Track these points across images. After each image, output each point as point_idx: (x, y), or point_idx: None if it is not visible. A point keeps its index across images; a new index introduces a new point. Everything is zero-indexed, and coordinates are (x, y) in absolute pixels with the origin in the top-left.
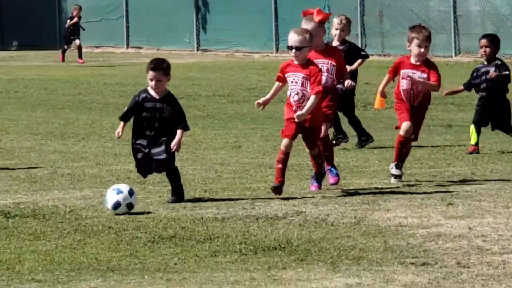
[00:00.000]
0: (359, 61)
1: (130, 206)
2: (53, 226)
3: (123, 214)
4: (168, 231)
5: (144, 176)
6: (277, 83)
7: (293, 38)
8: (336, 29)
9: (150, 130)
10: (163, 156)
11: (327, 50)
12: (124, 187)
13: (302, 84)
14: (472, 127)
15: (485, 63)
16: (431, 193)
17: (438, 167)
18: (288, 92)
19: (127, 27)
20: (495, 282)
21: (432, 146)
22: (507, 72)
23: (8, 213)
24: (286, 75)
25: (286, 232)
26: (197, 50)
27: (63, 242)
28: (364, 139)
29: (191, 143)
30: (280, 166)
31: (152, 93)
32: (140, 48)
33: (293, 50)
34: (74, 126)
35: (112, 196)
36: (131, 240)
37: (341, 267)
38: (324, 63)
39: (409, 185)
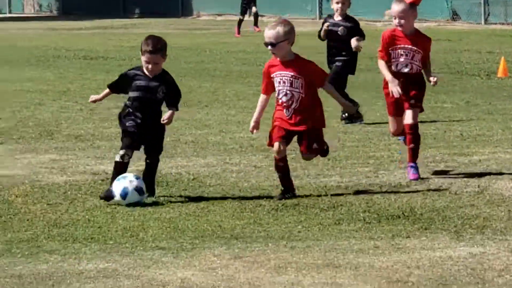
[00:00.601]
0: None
1: (139, 190)
2: (177, 194)
3: (135, 204)
4: (292, 199)
5: (132, 148)
6: (263, 96)
7: (267, 34)
8: (337, 2)
9: (140, 113)
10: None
11: (416, 35)
12: (128, 174)
13: (291, 84)
14: None
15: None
16: None
17: None
18: (276, 93)
19: None
20: None
21: None
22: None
23: None
24: (272, 76)
25: (410, 201)
26: (319, 18)
27: (187, 210)
28: (355, 115)
29: None
30: (280, 174)
31: (145, 72)
32: (263, 16)
33: (269, 47)
34: (197, 93)
35: (117, 185)
36: (254, 208)
37: (465, 236)
38: (412, 51)
39: None
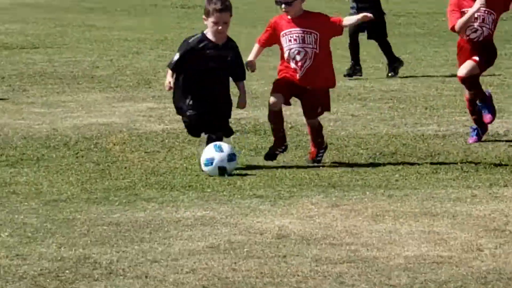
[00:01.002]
0: None
1: (222, 169)
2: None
3: (212, 175)
4: (389, 148)
5: (197, 135)
6: (258, 47)
7: None
8: None
9: (209, 84)
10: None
11: None
12: (227, 148)
13: (304, 40)
14: None
15: None
16: None
17: None
18: (286, 53)
19: None
20: None
21: None
22: None
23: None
24: (281, 34)
25: (508, 150)
26: None
27: (285, 158)
28: (396, 65)
29: (412, 60)
30: (272, 126)
31: (213, 39)
32: None
33: (283, 6)
34: None
35: (210, 150)
36: (352, 157)
37: None
38: (480, 13)
39: None
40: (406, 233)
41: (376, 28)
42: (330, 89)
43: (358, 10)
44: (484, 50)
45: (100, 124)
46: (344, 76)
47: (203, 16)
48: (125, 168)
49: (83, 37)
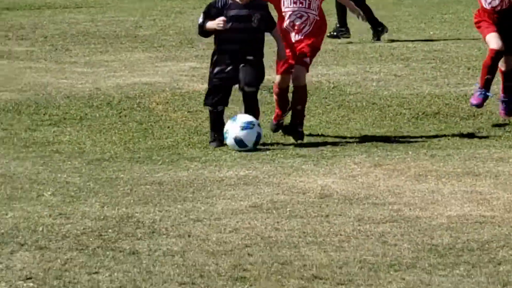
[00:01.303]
0: None
1: (238, 141)
2: (317, 102)
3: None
4: (432, 108)
5: (224, 103)
6: None
7: None
8: None
9: (235, 45)
10: (251, 77)
11: None
12: (242, 117)
13: (309, 5)
14: None
15: None
16: None
17: None
18: (287, 16)
19: None
20: None
21: None
22: None
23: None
24: None
25: None
26: None
27: (327, 118)
28: (380, 29)
29: (455, 20)
30: (276, 98)
31: None
32: None
33: None
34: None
35: (227, 123)
36: (395, 116)
37: None
38: None
39: None
40: (449, 193)
41: None
42: None
43: None
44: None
45: (143, 83)
46: (328, 36)
47: None
48: (168, 127)
49: None
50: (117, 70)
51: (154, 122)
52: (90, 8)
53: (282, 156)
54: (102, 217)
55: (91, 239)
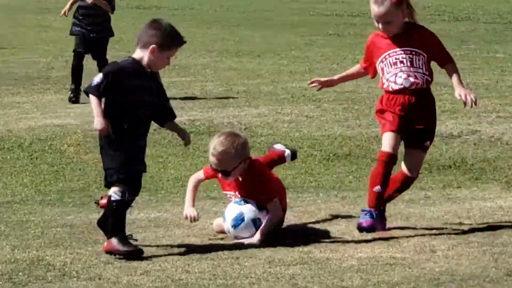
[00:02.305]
0: None
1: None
2: None
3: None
4: (343, 149)
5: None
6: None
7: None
8: None
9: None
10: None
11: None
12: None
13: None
14: None
15: None
16: None
17: None
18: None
19: None
20: None
21: None
22: None
23: None
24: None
25: (461, 151)
26: None
27: None
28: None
29: None
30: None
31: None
32: None
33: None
34: (249, 43)
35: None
36: (306, 158)
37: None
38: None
39: None
40: (359, 234)
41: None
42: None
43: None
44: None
45: (55, 125)
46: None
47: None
48: (79, 169)
49: (39, 38)
50: (29, 112)
51: (66, 164)
52: (3, 50)
53: None
54: (12, 260)
55: (1, 282)
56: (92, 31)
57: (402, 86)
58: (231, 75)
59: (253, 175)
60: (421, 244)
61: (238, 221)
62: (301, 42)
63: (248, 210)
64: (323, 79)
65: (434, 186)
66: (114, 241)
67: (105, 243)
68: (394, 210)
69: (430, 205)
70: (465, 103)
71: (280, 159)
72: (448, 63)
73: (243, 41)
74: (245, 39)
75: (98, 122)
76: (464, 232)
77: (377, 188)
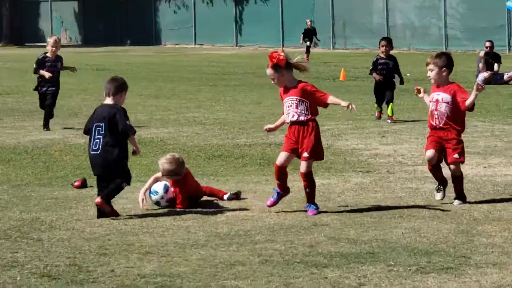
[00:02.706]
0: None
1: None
2: (151, 150)
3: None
4: (218, 152)
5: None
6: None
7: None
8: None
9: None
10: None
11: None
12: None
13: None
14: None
15: (383, 56)
16: (370, 127)
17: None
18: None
19: (195, 33)
20: (408, 182)
21: None
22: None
23: None
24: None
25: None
26: (236, 46)
27: (157, 158)
28: None
29: (231, 101)
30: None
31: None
32: (202, 44)
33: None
34: (163, 90)
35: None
36: (196, 157)
37: (319, 173)
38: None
39: (358, 127)
40: (233, 202)
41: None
42: None
43: None
44: None
45: (47, 139)
46: None
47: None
48: (61, 165)
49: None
50: (32, 131)
51: (53, 162)
52: (15, 95)
53: None
54: (20, 219)
55: (12, 232)
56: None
57: (289, 122)
58: (152, 109)
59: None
60: (266, 208)
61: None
62: (193, 89)
63: (160, 197)
64: (271, 126)
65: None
66: (106, 202)
67: (99, 199)
68: (247, 187)
69: (269, 184)
70: (348, 108)
71: (219, 196)
72: (326, 100)
73: (160, 89)
74: (161, 88)
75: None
76: (288, 201)
77: (277, 182)
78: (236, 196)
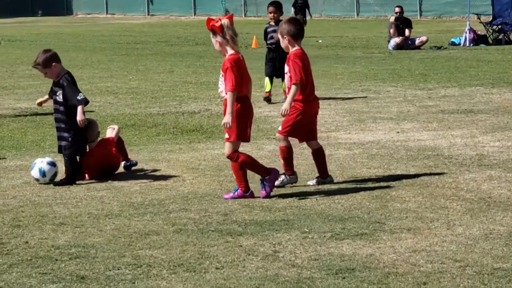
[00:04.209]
0: None
1: (51, 163)
2: None
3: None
4: (131, 121)
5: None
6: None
7: None
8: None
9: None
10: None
11: None
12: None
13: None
14: (267, 79)
15: (273, 23)
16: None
17: None
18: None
19: (106, 2)
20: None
21: None
22: None
23: None
24: None
25: (200, 121)
26: (147, 15)
27: None
28: None
29: (144, 70)
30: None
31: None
32: (114, 14)
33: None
34: (76, 60)
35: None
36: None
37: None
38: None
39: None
40: (145, 171)
41: None
42: None
43: None
44: None
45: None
46: None
47: None
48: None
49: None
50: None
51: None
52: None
53: None
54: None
55: None
56: None
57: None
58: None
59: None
60: (179, 177)
61: (33, 165)
62: (106, 59)
63: (40, 161)
64: None
65: (184, 142)
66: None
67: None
68: (161, 156)
69: (183, 153)
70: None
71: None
72: (225, 91)
73: (72, 60)
74: (73, 58)
75: None
76: (202, 169)
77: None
78: (130, 165)
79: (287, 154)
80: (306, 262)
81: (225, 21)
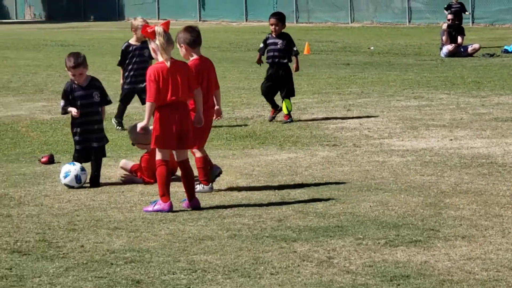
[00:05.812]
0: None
1: (78, 178)
2: None
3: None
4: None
5: (84, 161)
6: None
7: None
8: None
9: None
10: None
11: None
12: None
13: None
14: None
15: (274, 35)
16: (336, 101)
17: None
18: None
19: (158, 7)
20: (375, 155)
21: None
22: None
23: None
24: None
25: (253, 127)
26: (199, 20)
27: None
28: None
29: None
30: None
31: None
32: (166, 19)
33: None
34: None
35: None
36: None
37: (285, 148)
38: None
39: (323, 101)
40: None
41: None
42: None
43: None
44: None
45: (13, 115)
46: None
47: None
48: (29, 141)
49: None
50: None
51: (20, 138)
52: None
53: None
54: None
55: None
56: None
57: None
58: (117, 85)
59: None
60: (233, 183)
61: (67, 174)
62: None
63: (74, 169)
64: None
65: (238, 147)
66: None
67: None
68: (216, 161)
69: (236, 158)
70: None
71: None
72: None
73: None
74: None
75: None
76: (255, 175)
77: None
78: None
79: (203, 164)
80: (361, 269)
81: (158, 28)
